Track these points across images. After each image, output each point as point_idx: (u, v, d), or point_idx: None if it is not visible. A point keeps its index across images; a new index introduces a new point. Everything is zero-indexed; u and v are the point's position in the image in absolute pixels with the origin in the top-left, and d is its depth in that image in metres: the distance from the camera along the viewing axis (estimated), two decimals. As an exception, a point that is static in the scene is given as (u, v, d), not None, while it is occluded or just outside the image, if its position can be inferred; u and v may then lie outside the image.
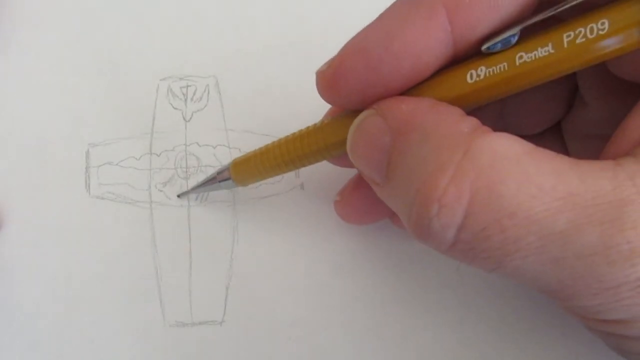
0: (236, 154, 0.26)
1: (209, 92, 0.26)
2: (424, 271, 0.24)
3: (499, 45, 0.15)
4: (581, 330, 0.23)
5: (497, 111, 0.21)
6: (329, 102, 0.18)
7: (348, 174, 0.24)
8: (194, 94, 0.26)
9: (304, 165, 0.20)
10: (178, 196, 0.25)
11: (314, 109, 0.26)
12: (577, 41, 0.14)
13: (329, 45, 0.27)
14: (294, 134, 0.20)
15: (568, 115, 0.21)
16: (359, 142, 0.17)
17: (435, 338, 0.24)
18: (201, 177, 0.25)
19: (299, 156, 0.19)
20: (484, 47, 0.15)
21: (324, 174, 0.25)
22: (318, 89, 0.18)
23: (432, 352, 0.24)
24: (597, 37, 0.14)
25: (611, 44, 0.14)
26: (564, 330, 0.23)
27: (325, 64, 0.17)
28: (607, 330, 0.15)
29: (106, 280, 0.24)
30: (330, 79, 0.17)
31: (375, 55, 0.15)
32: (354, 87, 0.16)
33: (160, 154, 0.26)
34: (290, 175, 0.26)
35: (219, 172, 0.23)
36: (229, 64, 0.27)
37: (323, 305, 0.24)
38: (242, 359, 0.24)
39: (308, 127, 0.19)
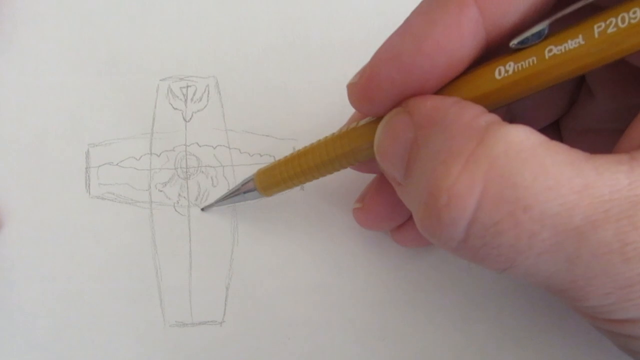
0: (236, 154, 0.26)
1: (209, 92, 0.26)
2: (425, 271, 0.24)
3: (528, 40, 0.14)
4: (584, 330, 0.23)
5: (504, 106, 0.21)
6: (362, 112, 0.17)
7: (347, 175, 0.24)
8: (194, 94, 0.26)
9: (329, 172, 0.20)
10: (202, 209, 0.25)
11: (314, 108, 0.26)
12: (609, 31, 0.13)
13: (329, 45, 0.27)
14: (318, 140, 0.20)
15: (570, 110, 0.21)
16: (385, 139, 0.16)
17: (436, 338, 0.24)
18: (201, 178, 0.25)
19: (324, 162, 0.19)
20: (512, 43, 0.15)
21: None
22: (351, 101, 0.17)
23: (433, 352, 0.24)
24: (628, 26, 0.13)
25: None
26: (566, 329, 0.23)
27: (356, 75, 0.17)
28: (616, 330, 0.15)
29: (106, 281, 0.24)
30: (363, 89, 0.16)
31: (407, 58, 0.15)
32: (389, 93, 0.16)
33: (160, 154, 0.26)
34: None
35: (244, 183, 0.23)
36: (229, 64, 0.27)
37: (323, 305, 0.24)
38: (242, 359, 0.24)
39: (333, 134, 0.19)
